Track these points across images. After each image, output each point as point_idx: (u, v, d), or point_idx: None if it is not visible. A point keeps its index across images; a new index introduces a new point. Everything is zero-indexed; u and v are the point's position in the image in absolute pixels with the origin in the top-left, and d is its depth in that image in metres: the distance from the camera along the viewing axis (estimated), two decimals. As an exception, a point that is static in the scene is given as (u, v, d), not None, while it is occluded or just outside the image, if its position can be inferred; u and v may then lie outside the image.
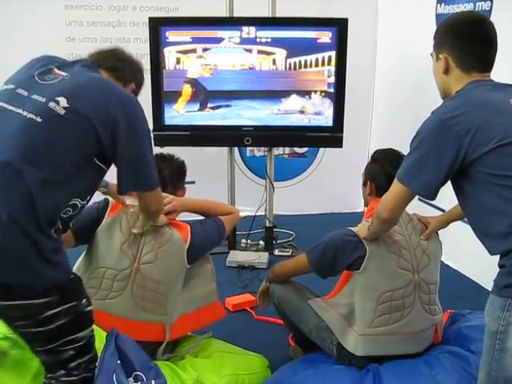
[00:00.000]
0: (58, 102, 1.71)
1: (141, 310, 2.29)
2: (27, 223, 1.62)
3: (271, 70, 3.80)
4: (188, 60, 3.78)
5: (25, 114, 1.70)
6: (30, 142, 1.67)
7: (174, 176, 2.53)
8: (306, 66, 3.78)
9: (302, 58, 3.77)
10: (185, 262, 2.35)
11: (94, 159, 1.78)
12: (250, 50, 3.76)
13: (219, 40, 3.74)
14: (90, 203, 2.01)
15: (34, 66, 1.85)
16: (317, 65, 3.77)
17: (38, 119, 1.69)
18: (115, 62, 2.00)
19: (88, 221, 2.35)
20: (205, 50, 3.77)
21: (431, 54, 1.93)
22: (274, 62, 3.77)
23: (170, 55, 3.77)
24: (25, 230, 1.61)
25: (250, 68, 3.80)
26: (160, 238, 2.33)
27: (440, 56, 1.85)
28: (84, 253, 2.39)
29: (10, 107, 1.72)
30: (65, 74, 1.81)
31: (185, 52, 3.77)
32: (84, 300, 1.80)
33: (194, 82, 3.83)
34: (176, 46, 3.75)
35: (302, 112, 3.87)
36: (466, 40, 1.81)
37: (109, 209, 2.38)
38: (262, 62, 3.78)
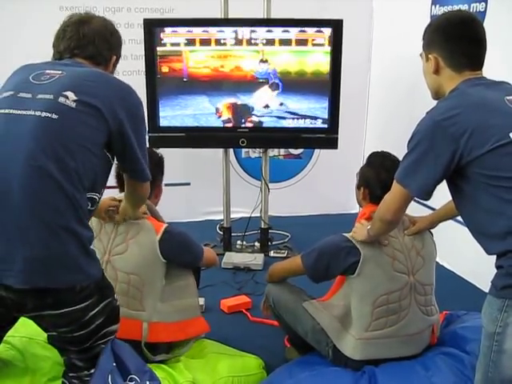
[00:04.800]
0: (66, 97, 1.73)
1: None
2: (66, 218, 1.66)
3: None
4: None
5: (37, 113, 1.70)
6: (52, 139, 1.68)
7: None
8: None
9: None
10: (158, 254, 2.33)
11: (104, 150, 1.81)
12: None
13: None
14: None
15: (23, 73, 1.85)
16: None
17: (54, 116, 1.70)
18: (88, 48, 1.94)
19: None
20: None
21: (420, 55, 1.92)
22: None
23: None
24: (64, 225, 1.66)
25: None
26: (132, 230, 2.35)
27: (430, 56, 1.85)
28: None
29: (19, 111, 1.72)
30: (59, 72, 1.82)
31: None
32: (115, 295, 1.89)
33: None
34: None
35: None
36: (455, 40, 1.81)
37: None
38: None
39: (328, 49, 3.71)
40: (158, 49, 3.74)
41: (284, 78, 3.77)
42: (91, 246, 1.76)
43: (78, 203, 1.70)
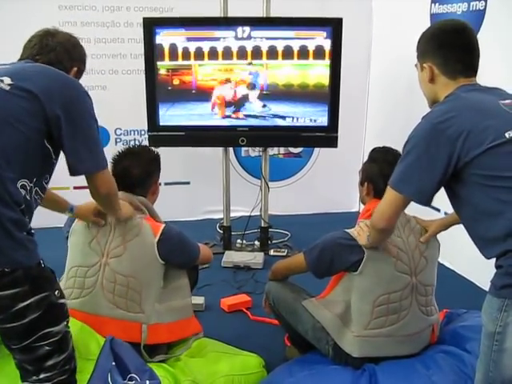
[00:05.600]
0: (1, 81, 1.76)
1: (114, 307, 2.28)
2: None
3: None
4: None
5: None
6: None
7: (143, 176, 2.46)
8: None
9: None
10: (156, 256, 2.32)
11: (43, 139, 1.78)
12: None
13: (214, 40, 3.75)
14: None
15: None
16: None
17: None
18: (49, 56, 1.99)
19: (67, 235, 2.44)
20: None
21: (415, 65, 1.95)
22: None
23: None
24: None
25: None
26: (130, 232, 2.32)
27: (424, 65, 1.88)
28: None
29: None
30: (7, 66, 1.87)
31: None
32: (56, 291, 1.78)
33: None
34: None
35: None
36: (448, 47, 1.84)
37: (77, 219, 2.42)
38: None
39: (328, 47, 3.72)
40: (170, 63, 3.77)
41: (286, 89, 3.83)
42: (20, 232, 1.69)
43: (2, 186, 1.65)
